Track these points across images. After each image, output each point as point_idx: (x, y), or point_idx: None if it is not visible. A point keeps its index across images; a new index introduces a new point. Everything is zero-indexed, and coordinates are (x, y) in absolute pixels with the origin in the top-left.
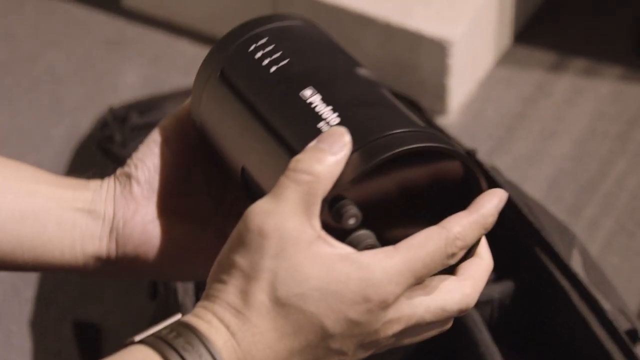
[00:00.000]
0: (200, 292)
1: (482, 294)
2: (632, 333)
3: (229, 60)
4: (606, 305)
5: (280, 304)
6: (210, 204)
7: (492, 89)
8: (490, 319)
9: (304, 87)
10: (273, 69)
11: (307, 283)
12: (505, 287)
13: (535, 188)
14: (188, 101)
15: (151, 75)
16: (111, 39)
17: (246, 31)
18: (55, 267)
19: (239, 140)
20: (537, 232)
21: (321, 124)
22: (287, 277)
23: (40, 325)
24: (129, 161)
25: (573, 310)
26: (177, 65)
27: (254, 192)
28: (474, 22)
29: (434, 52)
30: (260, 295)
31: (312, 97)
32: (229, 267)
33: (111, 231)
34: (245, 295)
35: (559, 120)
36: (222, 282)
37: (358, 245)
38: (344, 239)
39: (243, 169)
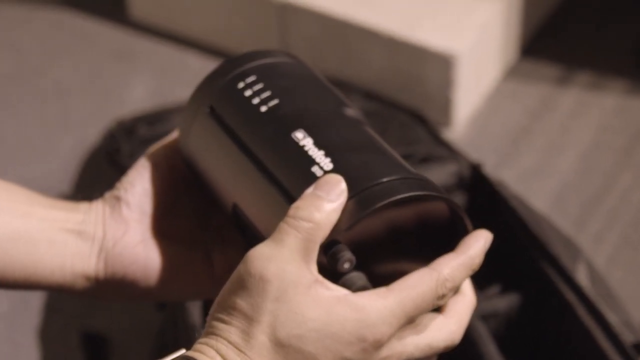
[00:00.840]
0: (207, 304)
1: (489, 306)
2: (637, 346)
3: (218, 96)
4: (612, 318)
5: (280, 344)
6: (197, 227)
7: (497, 103)
8: (496, 332)
9: (295, 129)
10: (263, 108)
11: (305, 325)
12: (511, 300)
13: (540, 201)
14: (177, 130)
15: (158, 88)
16: (119, 52)
17: (234, 67)
18: (45, 287)
19: (230, 178)
20: (543, 246)
21: (315, 169)
22: (287, 320)
23: (47, 335)
24: (118, 184)
25: (579, 323)
26: (184, 78)
27: (248, 230)
28: (479, 36)
29: (439, 65)
30: (261, 336)
31: (304, 140)
32: (231, 308)
33: (100, 252)
34: (246, 335)
35: (564, 134)
36: (224, 322)
37: (351, 287)
38: (337, 280)
39: (235, 206)
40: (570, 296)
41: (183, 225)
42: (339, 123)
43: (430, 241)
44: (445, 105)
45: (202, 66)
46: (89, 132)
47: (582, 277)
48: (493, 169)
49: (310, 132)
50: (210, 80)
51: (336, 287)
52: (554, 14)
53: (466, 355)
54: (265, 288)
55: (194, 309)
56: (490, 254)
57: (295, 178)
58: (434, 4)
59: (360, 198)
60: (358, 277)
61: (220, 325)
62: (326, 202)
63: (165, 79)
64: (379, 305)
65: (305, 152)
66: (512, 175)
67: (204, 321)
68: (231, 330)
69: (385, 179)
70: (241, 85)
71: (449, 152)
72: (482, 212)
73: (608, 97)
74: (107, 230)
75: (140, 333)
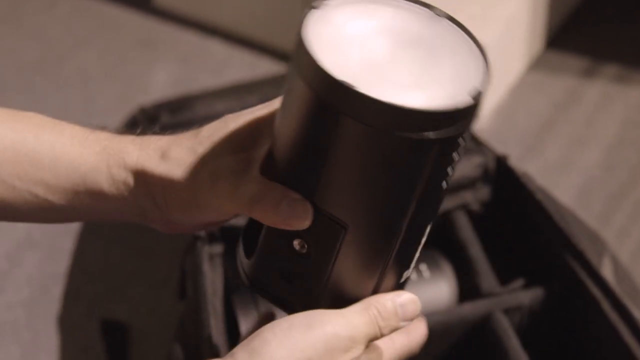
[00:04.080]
0: (229, 294)
1: (512, 300)
2: None
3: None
4: (636, 314)
5: None
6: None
7: (523, 95)
8: (520, 326)
9: (432, 219)
10: (444, 184)
11: None
12: (536, 293)
13: (564, 195)
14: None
15: (181, 75)
16: (142, 39)
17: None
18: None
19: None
20: (568, 239)
21: (407, 272)
22: None
23: (67, 323)
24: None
25: (603, 318)
26: (208, 66)
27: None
28: (506, 28)
29: None
30: None
31: (424, 237)
32: None
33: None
34: None
35: (590, 127)
36: None
37: None
38: None
39: (326, 217)
40: (595, 291)
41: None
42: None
43: None
44: None
45: (226, 54)
46: (111, 119)
47: (607, 271)
48: (517, 161)
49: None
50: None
51: None
52: (580, 7)
53: (490, 349)
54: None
55: (215, 298)
56: (515, 248)
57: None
58: None
59: None
60: None
61: None
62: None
63: (189, 66)
64: None
65: (418, 249)
66: (536, 168)
67: (225, 310)
68: None
69: None
70: (461, 142)
71: (475, 144)
72: (507, 205)
73: (633, 90)
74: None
75: (161, 322)
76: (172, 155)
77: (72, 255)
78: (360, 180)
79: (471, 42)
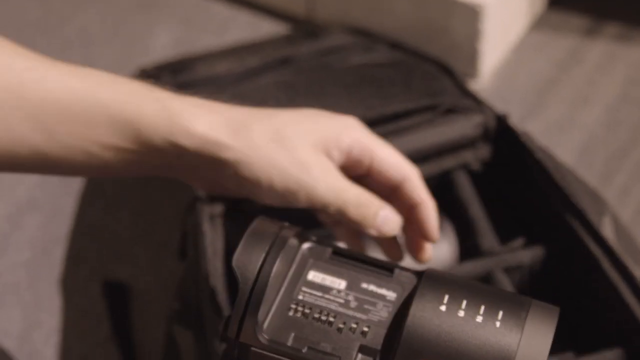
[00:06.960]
0: (230, 256)
1: (512, 259)
2: None
3: None
4: (637, 273)
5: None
6: None
7: (524, 54)
8: (520, 285)
9: None
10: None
11: None
12: (536, 252)
13: (566, 154)
14: None
15: (183, 37)
16: (143, 0)
17: None
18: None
19: None
20: (569, 198)
21: None
22: None
23: (69, 285)
24: None
25: (604, 277)
26: (209, 27)
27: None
28: None
29: (466, 16)
30: None
31: None
32: None
33: None
34: None
35: (592, 86)
36: None
37: None
38: None
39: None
40: (596, 250)
41: None
42: None
43: None
44: (471, 56)
45: (227, 15)
46: None
47: (607, 230)
48: (519, 121)
49: None
50: None
51: None
52: None
53: None
54: None
55: (216, 259)
56: (515, 207)
57: None
58: None
59: None
60: None
61: None
62: None
63: (190, 27)
64: None
65: None
66: (537, 128)
67: (225, 270)
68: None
69: None
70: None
71: (475, 103)
72: (507, 164)
73: (636, 49)
74: None
75: (163, 283)
76: (254, 131)
77: (73, 217)
78: None
79: None
